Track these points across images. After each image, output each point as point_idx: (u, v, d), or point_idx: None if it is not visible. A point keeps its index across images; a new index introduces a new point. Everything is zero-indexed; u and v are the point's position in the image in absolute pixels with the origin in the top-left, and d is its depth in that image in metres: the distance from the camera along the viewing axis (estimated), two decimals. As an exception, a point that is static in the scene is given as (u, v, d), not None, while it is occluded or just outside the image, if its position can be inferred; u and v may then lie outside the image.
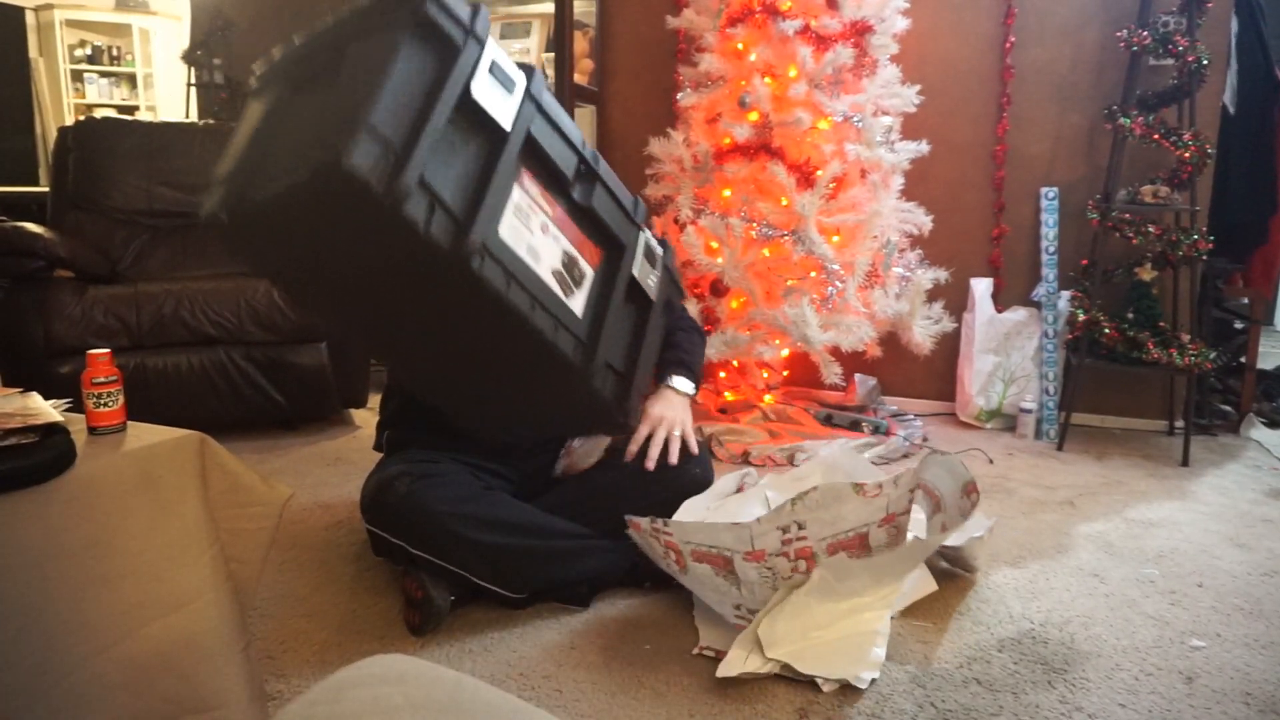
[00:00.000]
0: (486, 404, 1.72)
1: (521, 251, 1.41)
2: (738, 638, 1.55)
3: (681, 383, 1.85)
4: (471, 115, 1.36)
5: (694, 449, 1.82)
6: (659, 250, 1.79)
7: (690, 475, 1.85)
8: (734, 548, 1.56)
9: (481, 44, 1.37)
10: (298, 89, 1.43)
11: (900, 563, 1.63)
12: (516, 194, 1.42)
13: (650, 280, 1.72)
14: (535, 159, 1.49)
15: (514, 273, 1.38)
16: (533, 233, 1.44)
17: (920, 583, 1.82)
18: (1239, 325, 3.38)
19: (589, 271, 1.58)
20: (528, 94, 1.45)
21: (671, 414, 1.79)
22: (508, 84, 1.42)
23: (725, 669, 1.48)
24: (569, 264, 1.52)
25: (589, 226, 1.60)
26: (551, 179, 1.53)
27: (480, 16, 1.37)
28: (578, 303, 1.53)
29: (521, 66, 1.49)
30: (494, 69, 1.39)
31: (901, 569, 1.66)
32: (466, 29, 1.35)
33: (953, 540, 1.85)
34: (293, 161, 1.26)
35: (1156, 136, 2.84)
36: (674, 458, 1.78)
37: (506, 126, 1.40)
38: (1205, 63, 2.77)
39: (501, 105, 1.39)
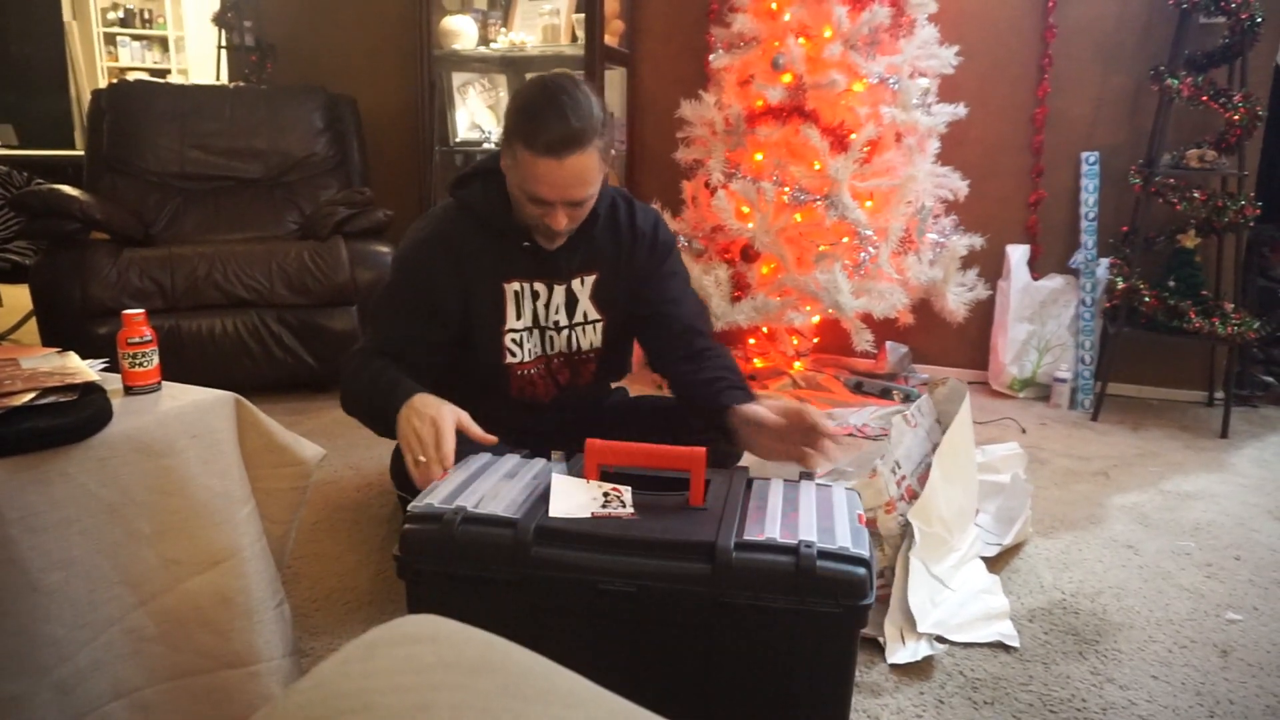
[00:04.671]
0: None
1: None
2: (885, 620, 1.55)
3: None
4: None
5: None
6: None
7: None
8: (875, 505, 1.60)
9: None
10: None
11: (956, 483, 1.73)
12: None
13: None
14: None
15: None
16: None
17: (1020, 529, 1.94)
18: (1284, 294, 3.29)
19: None
20: None
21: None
22: None
23: (897, 656, 1.50)
24: None
25: None
26: None
27: None
28: None
29: None
30: None
31: (958, 492, 1.75)
32: None
33: (1009, 540, 1.90)
34: None
35: (1205, 98, 2.75)
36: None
37: None
38: (1259, 20, 2.67)
39: None
